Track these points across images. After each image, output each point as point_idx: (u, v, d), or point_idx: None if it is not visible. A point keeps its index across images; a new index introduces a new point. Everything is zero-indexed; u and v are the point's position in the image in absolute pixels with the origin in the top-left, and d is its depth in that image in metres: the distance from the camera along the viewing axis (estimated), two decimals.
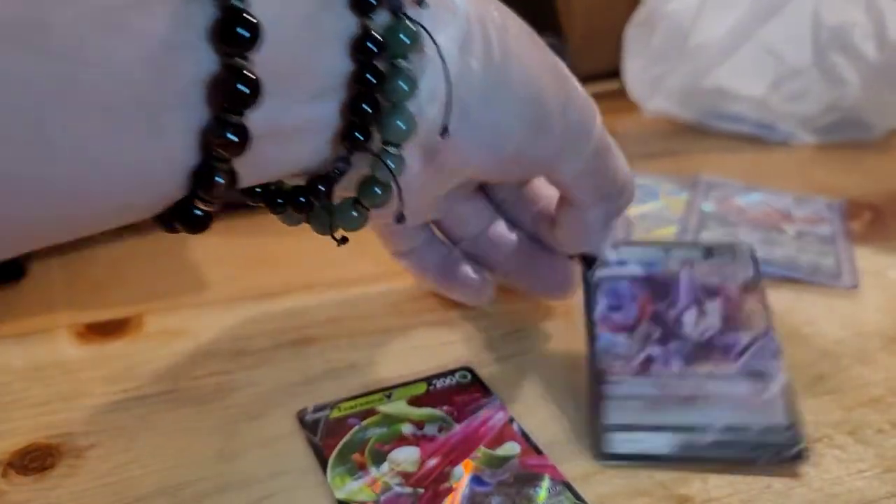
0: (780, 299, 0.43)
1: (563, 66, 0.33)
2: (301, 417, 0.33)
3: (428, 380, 0.36)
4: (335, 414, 0.34)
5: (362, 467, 0.31)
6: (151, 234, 0.48)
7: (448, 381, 0.36)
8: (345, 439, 0.32)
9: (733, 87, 0.64)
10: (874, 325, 0.41)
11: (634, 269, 0.36)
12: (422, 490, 0.30)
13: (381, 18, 0.25)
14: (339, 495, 0.30)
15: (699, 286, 0.35)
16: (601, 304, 0.34)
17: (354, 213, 0.27)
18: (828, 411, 0.35)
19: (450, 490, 0.30)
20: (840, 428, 0.34)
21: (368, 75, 0.24)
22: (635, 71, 0.69)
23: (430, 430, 0.33)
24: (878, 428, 0.34)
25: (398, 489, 0.30)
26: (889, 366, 0.38)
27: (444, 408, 0.34)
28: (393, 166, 0.26)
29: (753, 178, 0.58)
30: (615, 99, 0.73)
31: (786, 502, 0.30)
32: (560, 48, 0.78)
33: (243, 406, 0.34)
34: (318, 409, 0.34)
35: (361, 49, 0.24)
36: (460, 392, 0.35)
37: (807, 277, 0.44)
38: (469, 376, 0.36)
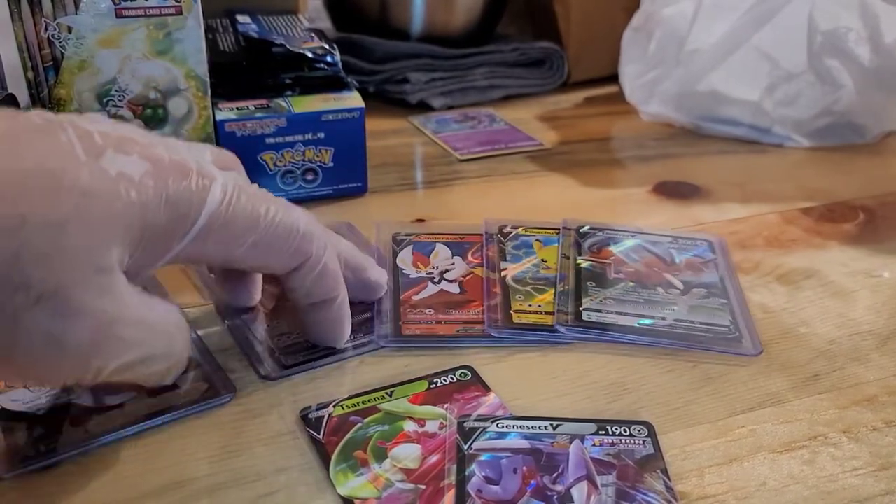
0: (774, 299, 0.43)
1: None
2: (304, 415, 0.34)
3: (429, 378, 0.36)
4: (337, 412, 0.34)
5: (364, 464, 0.31)
6: None
7: (448, 379, 0.36)
8: (347, 436, 0.33)
9: (728, 91, 0.65)
10: (868, 326, 0.41)
11: (517, 442, 0.32)
12: (423, 486, 0.30)
13: None
14: (342, 491, 0.30)
15: (591, 461, 0.31)
16: (476, 477, 0.31)
17: None
18: (822, 410, 0.35)
19: (450, 486, 0.30)
20: (835, 426, 0.34)
21: None
22: (632, 75, 0.70)
23: (431, 427, 0.33)
24: (873, 426, 0.34)
25: (400, 485, 0.30)
26: (883, 365, 0.38)
27: (445, 405, 0.34)
28: None
29: (748, 181, 0.59)
30: (612, 103, 0.74)
31: (781, 499, 0.30)
32: (558, 54, 0.79)
33: (247, 403, 0.35)
34: (320, 406, 0.34)
35: None
36: (460, 390, 0.35)
37: (706, 347, 0.39)
38: (469, 374, 0.36)
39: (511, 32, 0.86)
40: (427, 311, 0.41)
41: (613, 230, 0.49)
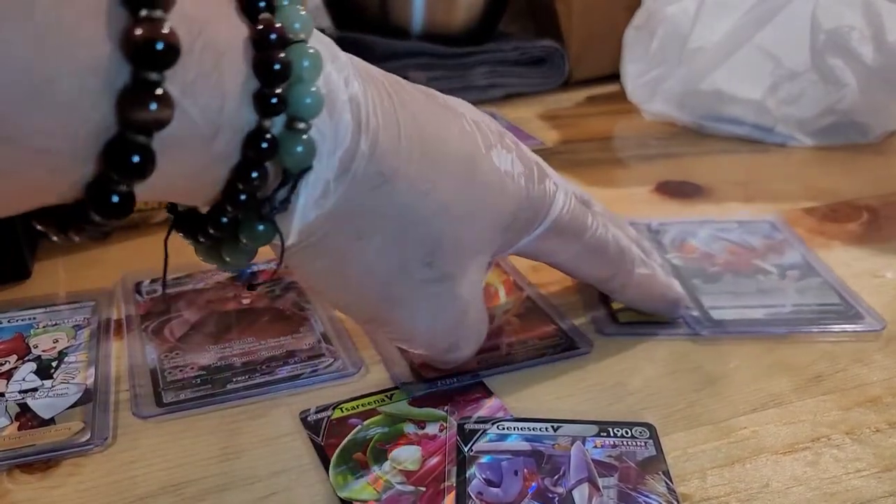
0: None
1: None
2: (304, 417, 0.34)
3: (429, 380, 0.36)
4: (337, 414, 0.34)
5: (364, 466, 0.31)
6: (157, 235, 0.49)
7: (449, 381, 0.36)
8: (347, 439, 0.32)
9: (731, 90, 0.65)
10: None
11: (518, 443, 0.32)
12: (423, 489, 0.30)
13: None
14: (342, 494, 0.30)
15: (593, 463, 0.31)
16: (477, 479, 0.30)
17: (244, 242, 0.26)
18: (825, 411, 0.35)
19: (451, 489, 0.30)
20: (838, 427, 0.34)
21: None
22: (634, 74, 0.70)
23: (431, 429, 0.33)
24: (876, 427, 0.34)
25: (400, 487, 0.30)
26: (887, 366, 0.38)
27: (445, 407, 0.34)
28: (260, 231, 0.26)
29: (751, 181, 0.59)
30: (614, 102, 0.74)
31: (783, 501, 0.30)
32: (560, 53, 0.79)
33: (246, 405, 0.35)
34: (320, 409, 0.34)
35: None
36: (461, 392, 0.35)
37: (836, 328, 0.40)
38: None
39: (512, 31, 0.86)
40: None
41: (680, 223, 0.50)
